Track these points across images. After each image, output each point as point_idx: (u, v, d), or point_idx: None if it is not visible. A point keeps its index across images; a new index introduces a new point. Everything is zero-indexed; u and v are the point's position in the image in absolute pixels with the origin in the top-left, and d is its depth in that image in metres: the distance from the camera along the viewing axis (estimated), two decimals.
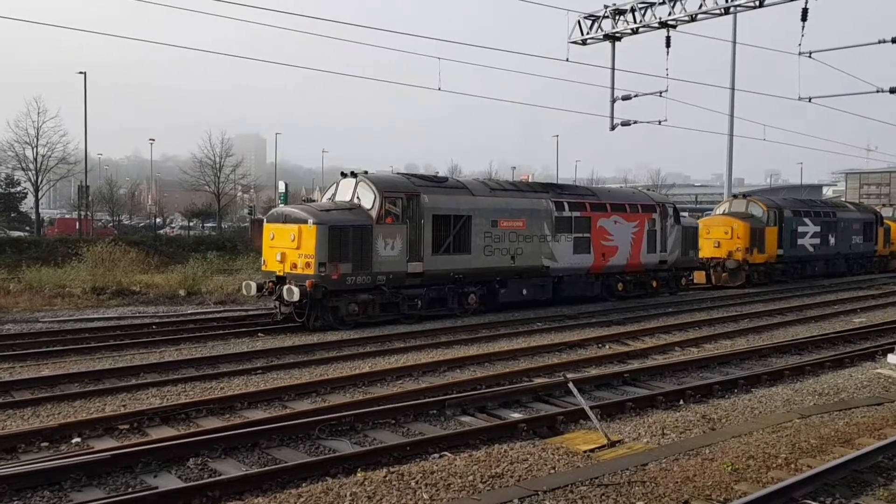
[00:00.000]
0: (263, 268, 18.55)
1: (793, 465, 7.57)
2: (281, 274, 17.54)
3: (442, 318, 19.06)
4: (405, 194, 18.45)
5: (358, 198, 18.29)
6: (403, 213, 18.34)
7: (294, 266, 17.28)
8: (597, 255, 22.84)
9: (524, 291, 20.97)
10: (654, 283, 25.10)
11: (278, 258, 17.62)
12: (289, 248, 17.41)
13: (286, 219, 17.85)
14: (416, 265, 18.46)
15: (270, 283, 17.78)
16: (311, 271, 16.91)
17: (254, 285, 18.05)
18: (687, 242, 26.23)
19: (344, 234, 17.21)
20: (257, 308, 20.63)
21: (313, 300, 16.90)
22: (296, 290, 16.52)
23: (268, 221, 18.83)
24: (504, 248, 20.40)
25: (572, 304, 22.28)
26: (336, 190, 19.21)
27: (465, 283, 19.68)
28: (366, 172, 19.02)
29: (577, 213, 22.40)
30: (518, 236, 20.73)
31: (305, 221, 17.16)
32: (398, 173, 20.18)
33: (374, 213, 17.82)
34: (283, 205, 29.32)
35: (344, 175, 19.18)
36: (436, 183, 19.85)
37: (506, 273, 20.53)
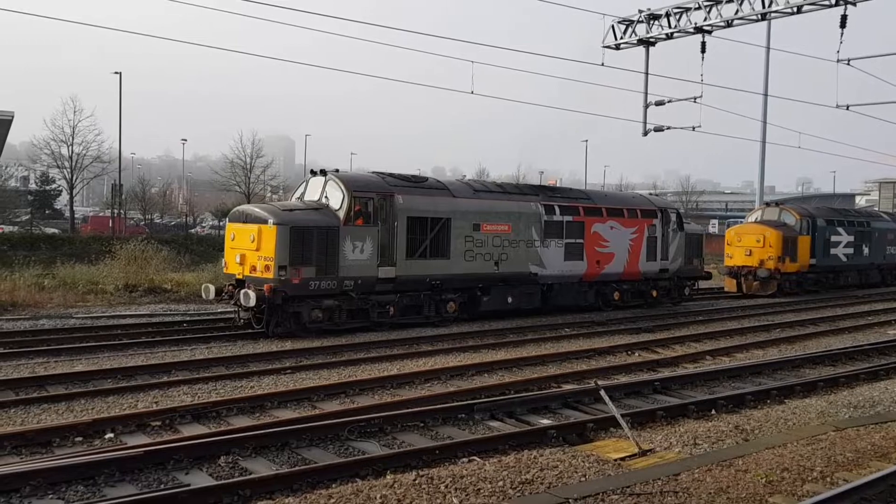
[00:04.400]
0: (225, 270, 17.50)
1: (829, 479, 7.43)
2: (240, 277, 16.50)
3: (415, 326, 18.03)
4: (377, 194, 17.40)
5: (326, 197, 17.27)
6: (375, 214, 17.32)
7: (253, 269, 16.21)
8: (591, 262, 21.72)
9: (509, 299, 19.96)
10: (654, 293, 24.00)
11: (237, 260, 16.57)
12: (248, 250, 16.32)
13: (247, 218, 16.74)
14: (388, 270, 17.41)
15: (230, 287, 16.75)
16: (270, 275, 15.82)
17: (212, 288, 17.00)
18: (691, 250, 25.03)
19: (307, 236, 16.17)
20: None
21: (272, 306, 15.91)
22: (252, 294, 15.51)
23: (229, 221, 17.74)
24: (487, 253, 19.34)
25: (564, 313, 21.27)
26: (305, 189, 18.22)
27: (443, 289, 18.61)
28: (336, 171, 18.00)
29: (569, 218, 21.31)
30: (503, 241, 19.66)
31: (265, 221, 16.08)
32: (374, 172, 18.93)
33: (342, 214, 16.78)
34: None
35: (314, 173, 18.13)
36: (413, 183, 18.74)
37: (489, 280, 19.48)
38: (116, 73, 45.07)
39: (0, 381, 11.55)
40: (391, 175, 18.75)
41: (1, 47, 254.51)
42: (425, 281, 18.24)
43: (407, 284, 17.90)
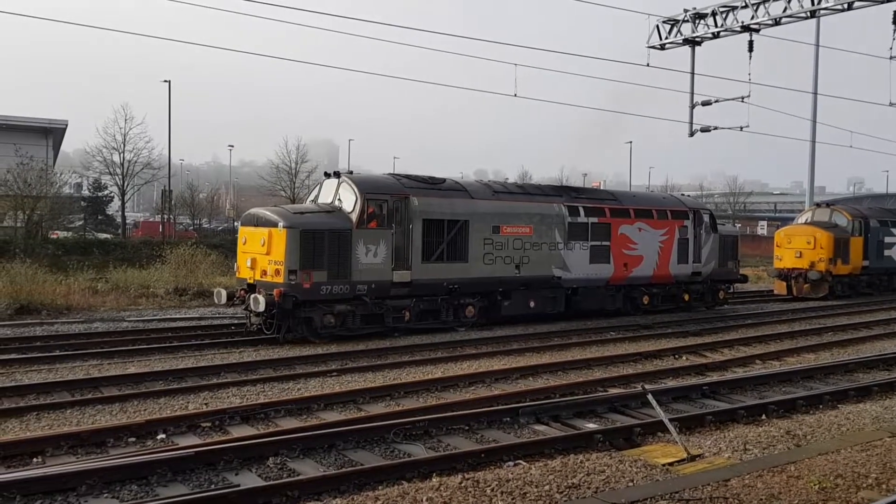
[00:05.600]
0: (237, 274, 17.30)
1: (884, 486, 7.24)
2: (251, 281, 16.29)
3: (435, 331, 17.67)
4: (391, 196, 17.00)
5: (339, 199, 16.88)
6: (389, 216, 16.92)
7: (264, 273, 15.91)
8: (617, 266, 21.06)
9: (531, 304, 19.40)
10: (686, 297, 23.17)
11: (248, 264, 16.36)
12: (259, 254, 16.09)
13: (258, 221, 16.51)
14: (403, 274, 16.98)
15: (242, 291, 16.53)
16: (280, 279, 15.52)
17: (224, 293, 16.79)
18: (725, 253, 24.14)
19: (318, 239, 15.83)
20: None
21: (283, 311, 15.66)
22: (261, 299, 15.30)
23: (241, 224, 17.58)
24: (507, 256, 18.80)
25: (589, 318, 20.60)
26: (319, 191, 17.89)
27: (461, 293, 18.15)
28: (350, 172, 17.71)
29: (595, 219, 20.67)
30: (524, 243, 19.13)
31: (276, 224, 15.81)
32: (389, 174, 18.59)
33: (354, 217, 16.37)
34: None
35: (327, 175, 17.80)
36: (429, 184, 18.17)
37: (509, 283, 18.96)
38: (165, 81, 46.05)
39: (56, 382, 11.89)
40: (407, 176, 18.43)
41: (58, 60, 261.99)
42: (442, 285, 17.78)
43: (423, 289, 17.48)
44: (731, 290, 25.83)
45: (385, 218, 16.93)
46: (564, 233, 20.02)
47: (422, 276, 17.35)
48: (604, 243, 20.82)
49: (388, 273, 16.81)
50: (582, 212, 20.55)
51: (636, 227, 21.60)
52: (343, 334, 16.44)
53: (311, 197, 18.33)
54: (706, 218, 23.79)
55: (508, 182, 21.57)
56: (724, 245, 24.16)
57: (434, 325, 17.95)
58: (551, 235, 19.78)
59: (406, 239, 17.12)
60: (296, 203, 56.62)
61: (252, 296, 15.73)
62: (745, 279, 26.67)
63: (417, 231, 17.27)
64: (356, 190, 16.68)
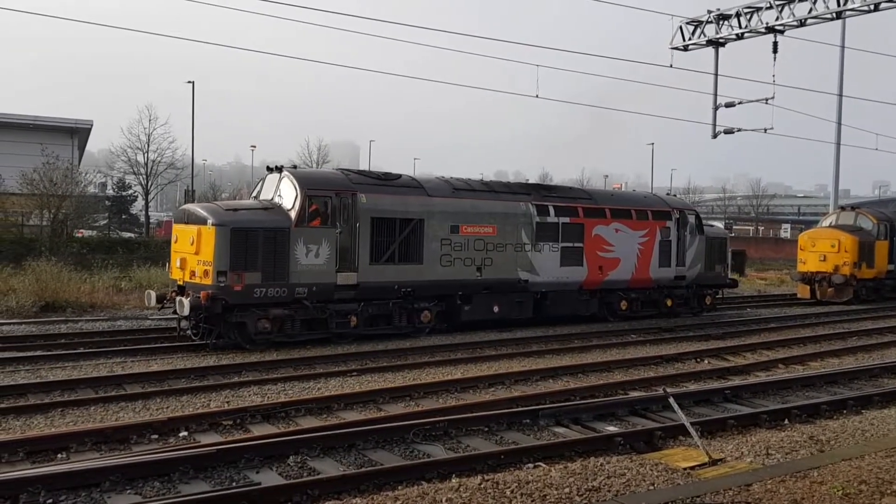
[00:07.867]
0: (170, 275, 16.29)
1: None
2: (181, 283, 15.30)
3: (390, 338, 16.70)
4: (336, 192, 15.94)
5: (280, 195, 15.89)
6: (334, 214, 15.87)
7: (193, 274, 14.92)
8: (591, 269, 19.99)
9: (495, 309, 18.32)
10: (669, 302, 22.07)
11: (178, 264, 15.40)
12: (188, 253, 15.07)
13: (188, 218, 15.46)
14: (349, 276, 15.96)
15: (172, 293, 15.49)
16: (208, 281, 14.51)
17: (154, 295, 15.79)
18: (712, 256, 22.98)
19: (251, 238, 14.83)
20: None
21: (211, 315, 14.70)
22: (186, 302, 14.33)
23: (174, 221, 16.70)
24: (467, 257, 17.78)
25: (561, 324, 19.74)
26: (261, 187, 16.90)
27: (416, 297, 17.17)
28: (294, 167, 16.67)
29: (566, 219, 19.57)
30: (486, 244, 18.08)
31: (205, 222, 14.76)
32: (339, 169, 17.53)
33: (293, 214, 15.36)
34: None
35: (269, 170, 16.81)
36: (381, 181, 17.14)
37: (470, 287, 17.92)
38: (189, 82, 46.40)
39: (80, 379, 12.05)
40: (356, 172, 17.55)
41: (83, 59, 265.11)
42: (394, 288, 16.77)
43: (371, 292, 16.45)
44: (720, 295, 24.80)
45: (329, 216, 15.91)
46: (532, 233, 18.99)
47: (370, 278, 16.37)
48: (576, 245, 19.82)
49: (331, 275, 15.80)
50: (552, 211, 19.49)
51: (612, 228, 20.55)
52: (281, 340, 15.55)
53: (254, 193, 17.40)
54: (692, 219, 22.68)
55: (472, 179, 20.38)
56: (710, 248, 23.06)
57: (386, 331, 16.94)
58: (517, 236, 18.74)
59: (353, 238, 16.12)
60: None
61: (178, 299, 14.80)
62: (734, 284, 25.43)
63: (365, 230, 16.27)
64: (297, 185, 15.71)
